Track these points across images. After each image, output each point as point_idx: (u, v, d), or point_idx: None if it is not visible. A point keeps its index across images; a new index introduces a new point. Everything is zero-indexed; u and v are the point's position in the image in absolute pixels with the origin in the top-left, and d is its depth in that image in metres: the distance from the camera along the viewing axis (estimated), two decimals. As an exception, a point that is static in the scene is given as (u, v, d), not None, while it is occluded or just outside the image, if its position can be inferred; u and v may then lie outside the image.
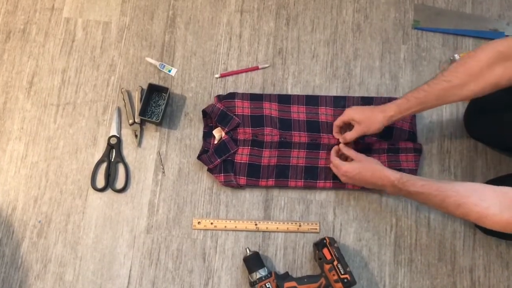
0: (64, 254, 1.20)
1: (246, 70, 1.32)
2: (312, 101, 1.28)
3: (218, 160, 1.23)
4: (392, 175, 1.04)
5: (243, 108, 1.27)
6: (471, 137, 1.25)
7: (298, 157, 1.24)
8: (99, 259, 1.20)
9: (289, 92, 1.31)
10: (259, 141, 1.25)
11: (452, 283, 1.20)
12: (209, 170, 1.24)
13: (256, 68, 1.32)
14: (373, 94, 1.30)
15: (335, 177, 1.22)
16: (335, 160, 1.18)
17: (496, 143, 1.22)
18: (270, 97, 1.28)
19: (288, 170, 1.24)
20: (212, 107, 1.25)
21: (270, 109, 1.27)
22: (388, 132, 1.24)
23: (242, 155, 1.24)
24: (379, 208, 1.23)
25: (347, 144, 1.20)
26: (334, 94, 1.31)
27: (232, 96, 1.28)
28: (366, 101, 1.28)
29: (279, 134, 1.25)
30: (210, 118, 1.27)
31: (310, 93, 1.31)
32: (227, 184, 1.23)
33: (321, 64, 1.33)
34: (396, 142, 1.25)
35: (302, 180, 1.23)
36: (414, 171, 1.23)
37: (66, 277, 1.19)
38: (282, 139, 1.25)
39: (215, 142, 1.25)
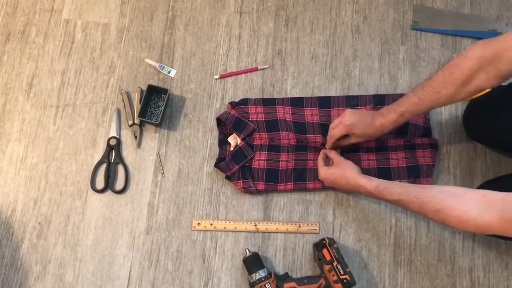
0: (63, 255, 1.20)
1: (246, 71, 1.32)
2: (325, 103, 1.28)
3: (236, 167, 1.22)
4: (367, 184, 1.05)
5: (257, 113, 1.27)
6: (470, 137, 1.25)
7: (314, 160, 1.24)
8: (98, 260, 1.20)
9: (288, 93, 1.31)
10: (276, 146, 1.25)
11: (452, 283, 1.20)
12: (227, 177, 1.23)
13: (256, 69, 1.33)
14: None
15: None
16: (319, 163, 1.20)
17: (495, 144, 1.23)
18: (283, 101, 1.28)
19: (305, 173, 1.24)
20: (226, 114, 1.25)
21: (284, 113, 1.27)
22: (403, 128, 1.24)
23: (260, 161, 1.24)
24: (378, 209, 1.24)
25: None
26: (334, 95, 1.31)
27: (245, 102, 1.28)
28: (378, 99, 1.28)
29: (296, 138, 1.25)
30: (225, 125, 1.26)
31: (309, 94, 1.31)
32: (246, 190, 1.22)
33: (320, 65, 1.33)
34: (411, 138, 1.25)
35: (320, 182, 1.23)
36: (432, 167, 1.23)
37: (66, 278, 1.19)
38: (298, 142, 1.25)
39: (231, 149, 1.25)
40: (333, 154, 1.19)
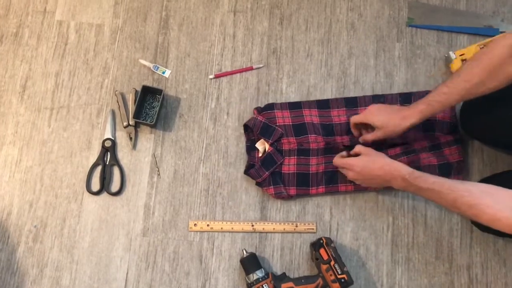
0: (60, 258, 1.20)
1: (241, 71, 1.32)
2: (351, 102, 1.27)
3: (266, 173, 1.21)
4: (403, 169, 1.02)
5: (283, 118, 1.26)
6: (467, 134, 1.25)
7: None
8: (95, 262, 1.19)
9: (284, 92, 1.30)
10: (305, 149, 1.24)
11: (450, 281, 1.19)
12: (258, 184, 1.23)
13: (251, 68, 1.32)
14: (368, 93, 1.30)
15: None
16: (338, 160, 1.16)
17: (491, 141, 1.22)
18: (309, 104, 1.27)
19: (336, 175, 1.22)
20: (253, 120, 1.24)
21: (311, 116, 1.26)
22: (430, 126, 1.23)
23: (289, 165, 1.23)
24: (375, 207, 1.23)
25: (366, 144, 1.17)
26: (329, 93, 1.30)
27: (270, 107, 1.27)
28: (405, 97, 1.27)
29: (324, 140, 1.23)
30: (252, 131, 1.25)
31: (305, 92, 1.30)
32: (277, 196, 1.21)
33: (316, 63, 1.33)
34: (436, 139, 1.24)
35: (352, 184, 1.22)
36: (461, 162, 1.22)
37: (63, 282, 1.18)
38: (327, 144, 1.23)
39: (259, 155, 1.25)
40: (360, 147, 1.14)
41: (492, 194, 0.89)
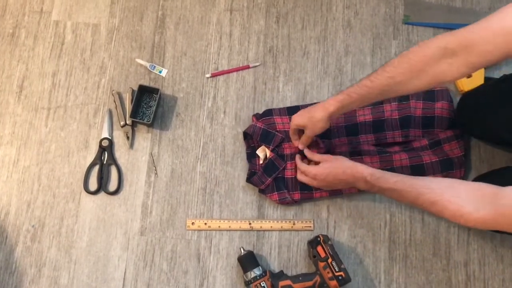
0: (58, 258, 1.20)
1: (237, 69, 1.32)
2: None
3: (269, 180, 1.21)
4: (365, 171, 1.02)
5: (283, 124, 1.25)
6: (464, 131, 1.25)
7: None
8: (93, 262, 1.20)
9: (281, 91, 1.31)
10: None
11: (447, 277, 1.20)
12: (261, 191, 1.22)
13: (247, 67, 1.32)
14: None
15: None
16: (302, 166, 1.15)
17: (488, 137, 1.22)
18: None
19: None
20: (253, 128, 1.23)
21: None
22: (430, 122, 1.24)
23: (292, 170, 1.23)
24: (372, 205, 1.23)
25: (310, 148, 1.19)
26: (326, 91, 1.30)
27: (269, 113, 1.26)
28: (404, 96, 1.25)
29: (324, 144, 1.22)
30: (251, 138, 1.25)
31: (301, 91, 1.31)
32: (282, 201, 1.21)
33: (312, 62, 1.33)
34: (435, 135, 1.24)
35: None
36: (462, 157, 1.21)
37: (61, 281, 1.19)
38: (327, 148, 1.22)
39: (261, 162, 1.24)
40: (316, 155, 1.15)
41: (454, 189, 0.88)
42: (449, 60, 0.88)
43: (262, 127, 1.23)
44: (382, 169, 1.19)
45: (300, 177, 1.16)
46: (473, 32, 0.85)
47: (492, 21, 0.83)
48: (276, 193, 1.21)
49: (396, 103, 1.26)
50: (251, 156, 1.25)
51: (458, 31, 0.87)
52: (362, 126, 1.25)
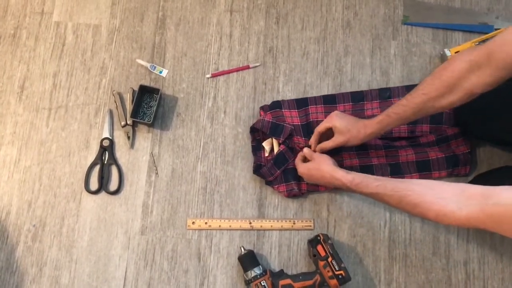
0: (59, 257, 1.20)
1: (237, 70, 1.32)
2: (357, 97, 1.27)
3: (278, 171, 1.22)
4: (343, 177, 1.03)
5: (292, 118, 1.26)
6: (463, 131, 1.25)
7: (351, 159, 1.23)
8: (94, 261, 1.20)
9: (281, 91, 1.31)
10: None
11: (447, 276, 1.20)
12: (268, 182, 1.23)
13: (247, 67, 1.33)
14: (364, 91, 1.31)
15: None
16: (296, 161, 1.20)
17: (487, 137, 1.23)
18: (315, 100, 1.28)
19: None
20: (261, 122, 1.23)
21: (317, 113, 1.26)
22: (438, 118, 1.24)
23: None
24: (372, 204, 1.24)
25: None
26: (326, 91, 1.31)
27: (277, 105, 1.27)
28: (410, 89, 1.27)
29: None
30: (257, 131, 1.26)
31: (301, 91, 1.31)
32: (289, 193, 1.22)
33: (312, 62, 1.34)
34: (443, 131, 1.24)
35: None
36: (468, 154, 1.22)
37: (62, 281, 1.19)
38: None
39: (266, 154, 1.25)
40: (308, 151, 1.17)
41: (436, 190, 0.88)
42: (477, 72, 0.91)
43: (271, 120, 1.23)
44: (388, 164, 1.20)
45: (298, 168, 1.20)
46: (497, 46, 0.88)
47: (510, 32, 0.86)
48: (284, 184, 1.22)
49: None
50: (256, 149, 1.26)
51: (482, 45, 0.91)
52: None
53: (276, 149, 1.24)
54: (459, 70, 0.92)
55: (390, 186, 0.95)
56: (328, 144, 1.15)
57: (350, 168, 1.19)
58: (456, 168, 1.23)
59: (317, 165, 1.11)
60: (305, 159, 1.19)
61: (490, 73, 0.89)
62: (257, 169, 1.23)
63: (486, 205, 0.79)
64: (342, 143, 1.13)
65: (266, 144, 1.25)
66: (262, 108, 1.28)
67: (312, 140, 1.20)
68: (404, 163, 1.22)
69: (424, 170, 1.22)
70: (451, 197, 0.84)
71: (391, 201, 0.94)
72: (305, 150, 1.18)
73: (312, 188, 1.23)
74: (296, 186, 1.22)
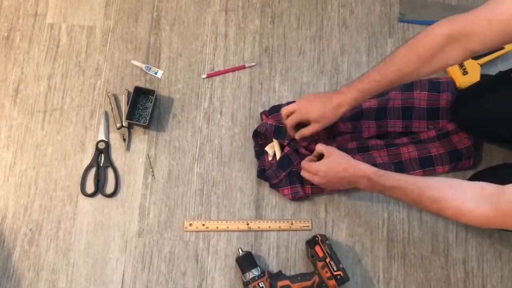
0: (56, 261, 1.19)
1: (233, 70, 1.32)
2: None
3: (283, 174, 1.21)
4: (368, 169, 1.02)
5: None
6: (460, 128, 1.24)
7: (354, 154, 1.22)
8: (91, 265, 1.19)
9: (277, 91, 1.30)
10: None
11: (446, 275, 1.20)
12: (272, 185, 1.22)
13: (243, 67, 1.32)
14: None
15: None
16: (304, 163, 1.13)
17: (484, 134, 1.22)
18: None
19: None
20: (264, 126, 1.22)
21: None
22: (435, 113, 1.24)
23: None
24: (370, 203, 1.23)
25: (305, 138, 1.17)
26: (322, 90, 1.30)
27: (277, 109, 1.24)
28: (406, 86, 1.26)
29: (327, 136, 1.23)
30: (259, 136, 1.25)
31: (298, 90, 1.31)
32: (294, 196, 1.20)
33: (308, 61, 1.33)
34: (443, 127, 1.24)
35: None
36: (471, 147, 1.22)
37: (59, 284, 1.18)
38: (337, 142, 1.24)
39: (270, 158, 1.24)
40: (322, 146, 1.11)
41: (456, 188, 0.88)
42: (452, 46, 0.91)
43: (274, 123, 1.22)
44: (391, 163, 1.19)
45: (303, 173, 1.14)
46: (473, 21, 0.88)
47: (491, 9, 0.87)
48: (288, 187, 1.21)
49: (400, 92, 1.26)
50: (260, 153, 1.25)
51: (459, 18, 0.91)
52: (367, 112, 1.25)
53: (278, 153, 1.23)
54: (436, 46, 0.92)
55: (411, 181, 0.95)
56: (305, 131, 1.13)
57: None
58: (460, 162, 1.22)
59: (338, 159, 1.07)
60: (314, 159, 1.14)
61: (465, 47, 0.90)
62: (262, 173, 1.22)
63: (501, 203, 0.79)
64: (319, 129, 1.11)
65: (269, 149, 1.24)
66: (263, 112, 1.27)
67: (290, 133, 1.17)
68: (407, 160, 1.22)
69: (427, 166, 1.22)
70: (471, 196, 0.85)
71: (411, 195, 0.94)
72: (320, 145, 1.12)
73: (316, 190, 1.21)
74: (301, 189, 1.21)
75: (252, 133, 1.26)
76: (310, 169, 1.11)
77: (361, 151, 1.23)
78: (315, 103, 1.10)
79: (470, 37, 0.88)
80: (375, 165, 1.16)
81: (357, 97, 1.05)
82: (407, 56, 0.96)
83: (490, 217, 0.81)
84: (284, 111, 1.15)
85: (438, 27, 0.93)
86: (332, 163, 1.07)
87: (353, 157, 1.14)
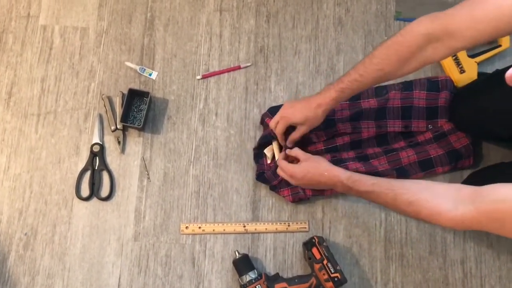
0: (51, 265, 1.19)
1: (228, 70, 1.30)
2: (354, 97, 1.22)
3: None
4: (341, 174, 1.02)
5: None
6: (457, 128, 1.23)
7: (353, 162, 1.21)
8: (87, 269, 1.19)
9: (273, 91, 1.29)
10: (318, 151, 1.23)
11: (444, 276, 1.19)
12: (272, 188, 1.21)
13: (238, 68, 1.30)
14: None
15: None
16: (281, 162, 1.14)
17: (481, 134, 1.21)
18: None
19: None
20: (268, 130, 1.20)
21: None
22: (433, 112, 1.23)
23: None
24: (367, 204, 1.22)
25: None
26: (318, 90, 1.28)
27: (277, 110, 1.20)
28: (406, 86, 1.26)
29: (329, 140, 1.23)
30: (264, 140, 1.24)
31: (293, 90, 1.29)
32: (294, 197, 1.19)
33: (304, 61, 1.32)
34: (440, 127, 1.23)
35: None
36: (469, 145, 1.21)
37: (55, 289, 1.18)
38: (332, 143, 1.23)
39: (268, 161, 1.23)
40: (298, 152, 1.13)
41: (431, 190, 0.88)
42: (434, 44, 0.90)
43: None
44: (393, 169, 1.18)
45: (279, 172, 1.15)
46: (456, 20, 0.86)
47: (474, 7, 0.84)
48: (288, 188, 1.20)
49: (399, 92, 1.25)
50: (259, 156, 1.24)
51: (440, 15, 0.88)
52: (366, 112, 1.24)
53: (277, 155, 1.21)
54: (417, 45, 0.91)
55: (385, 184, 0.95)
56: (295, 135, 1.15)
57: None
58: (460, 161, 1.22)
59: (315, 164, 1.09)
60: (291, 161, 1.15)
61: (448, 45, 0.88)
62: (260, 176, 1.21)
63: (480, 203, 0.78)
64: (306, 131, 1.13)
65: (267, 151, 1.23)
66: (265, 116, 1.25)
67: (281, 141, 1.18)
68: (407, 165, 1.21)
69: (427, 168, 1.21)
70: (447, 197, 0.84)
71: (386, 199, 0.94)
72: (297, 151, 1.14)
73: (317, 193, 1.20)
74: (301, 189, 1.20)
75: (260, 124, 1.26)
76: (286, 170, 1.12)
77: (361, 160, 1.21)
78: (297, 106, 1.11)
79: (453, 35, 0.86)
80: (377, 174, 1.17)
81: (336, 97, 1.04)
82: (387, 56, 0.95)
83: (466, 218, 0.80)
84: (272, 123, 1.16)
85: (418, 25, 0.91)
86: (308, 167, 1.09)
87: (354, 164, 1.14)
